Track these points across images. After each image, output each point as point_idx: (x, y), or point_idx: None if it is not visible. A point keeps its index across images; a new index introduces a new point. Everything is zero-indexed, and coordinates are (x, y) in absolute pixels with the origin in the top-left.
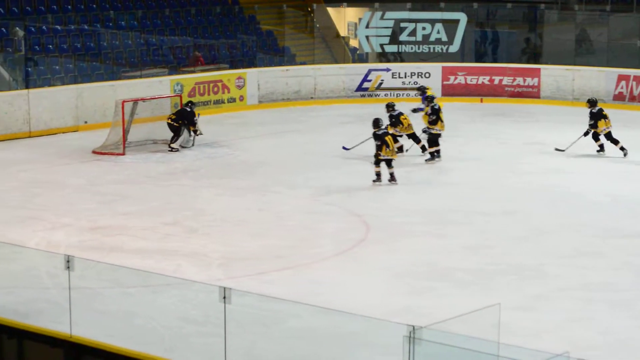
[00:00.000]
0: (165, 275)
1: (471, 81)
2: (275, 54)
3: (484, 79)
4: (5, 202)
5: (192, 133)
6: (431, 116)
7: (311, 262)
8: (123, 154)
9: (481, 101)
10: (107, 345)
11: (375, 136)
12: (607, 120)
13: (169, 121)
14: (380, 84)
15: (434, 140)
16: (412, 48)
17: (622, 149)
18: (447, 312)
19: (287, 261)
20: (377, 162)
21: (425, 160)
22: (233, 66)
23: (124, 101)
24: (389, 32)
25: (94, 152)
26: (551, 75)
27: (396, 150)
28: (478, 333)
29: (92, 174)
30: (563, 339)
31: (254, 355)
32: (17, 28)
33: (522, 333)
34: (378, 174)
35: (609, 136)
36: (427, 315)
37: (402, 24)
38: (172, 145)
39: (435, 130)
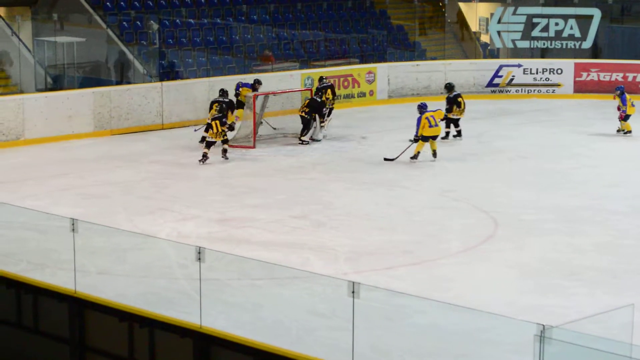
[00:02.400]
0: (293, 268)
1: (604, 78)
2: (405, 48)
3: (618, 75)
4: (137, 193)
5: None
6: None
7: (438, 258)
8: (253, 147)
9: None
10: (236, 336)
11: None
12: (461, 108)
13: (302, 114)
14: (512, 80)
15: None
16: (544, 44)
17: (450, 135)
18: (577, 311)
19: (415, 256)
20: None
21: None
22: (363, 61)
23: (255, 94)
24: (521, 27)
25: None
26: None
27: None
28: (610, 334)
29: (222, 166)
30: None
31: (380, 350)
32: (151, 21)
33: None
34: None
35: (455, 123)
36: (556, 314)
37: (535, 20)
38: (303, 138)
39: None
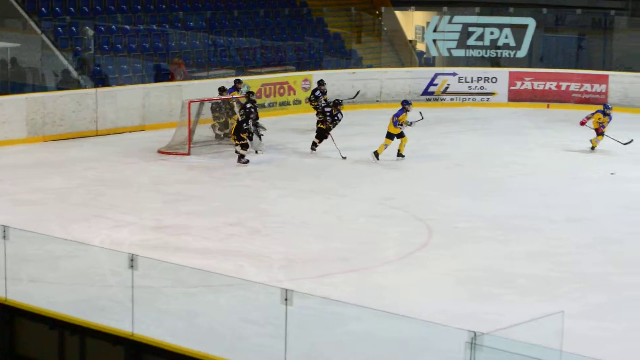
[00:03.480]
0: (227, 276)
1: (538, 87)
2: (342, 56)
3: (551, 84)
4: (71, 200)
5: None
6: None
7: (374, 266)
8: (188, 154)
9: (548, 107)
10: (168, 344)
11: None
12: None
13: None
14: (447, 88)
15: None
16: (479, 53)
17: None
18: (510, 318)
19: (350, 264)
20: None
21: None
22: (300, 68)
23: (190, 101)
24: (456, 36)
25: (159, 151)
26: (620, 82)
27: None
28: (540, 341)
29: (157, 174)
30: (627, 349)
31: (314, 358)
32: (86, 27)
33: (585, 342)
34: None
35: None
36: (490, 321)
37: (470, 29)
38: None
39: None
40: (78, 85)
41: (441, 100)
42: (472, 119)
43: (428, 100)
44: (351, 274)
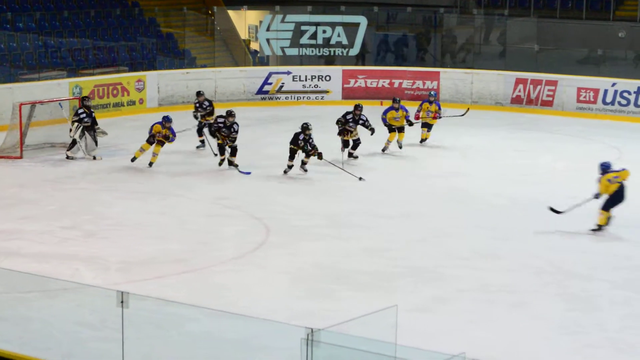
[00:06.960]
0: (63, 280)
1: (371, 84)
2: (175, 56)
3: (384, 82)
4: None
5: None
6: None
7: (211, 266)
8: (20, 157)
9: (381, 104)
10: (3, 351)
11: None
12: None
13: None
14: (281, 87)
15: None
16: (312, 51)
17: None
18: (347, 314)
19: (187, 265)
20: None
21: None
22: (133, 69)
23: (21, 104)
24: (289, 35)
25: None
26: (450, 78)
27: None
28: (376, 335)
29: None
30: (461, 340)
31: None
32: None
33: (419, 334)
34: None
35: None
36: (327, 318)
37: (303, 27)
38: (68, 153)
39: None
40: None
41: (276, 99)
42: (307, 117)
43: (263, 99)
44: (189, 275)
